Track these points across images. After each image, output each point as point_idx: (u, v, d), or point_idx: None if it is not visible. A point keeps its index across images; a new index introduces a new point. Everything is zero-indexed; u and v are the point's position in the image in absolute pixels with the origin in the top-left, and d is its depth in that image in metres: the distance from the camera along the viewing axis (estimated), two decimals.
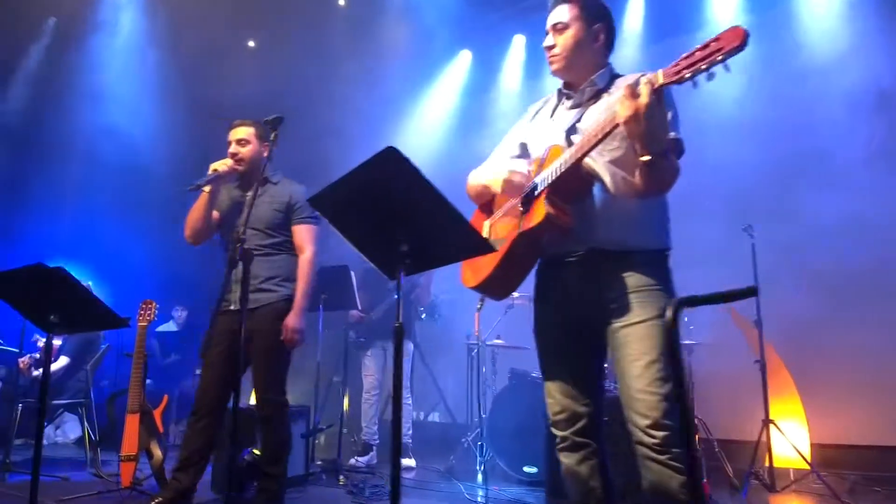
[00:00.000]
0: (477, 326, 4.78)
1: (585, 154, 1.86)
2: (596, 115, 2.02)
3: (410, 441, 5.40)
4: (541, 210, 1.90)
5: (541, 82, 6.62)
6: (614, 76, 2.14)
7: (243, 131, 3.28)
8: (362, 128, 6.65)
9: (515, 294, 5.14)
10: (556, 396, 2.07)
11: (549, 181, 1.93)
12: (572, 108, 2.15)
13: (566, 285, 2.03)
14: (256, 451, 3.75)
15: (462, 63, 7.10)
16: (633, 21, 5.95)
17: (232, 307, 3.13)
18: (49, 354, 2.56)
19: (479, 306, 4.75)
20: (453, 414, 6.76)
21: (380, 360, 5.48)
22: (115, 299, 5.23)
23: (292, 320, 3.12)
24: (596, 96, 2.10)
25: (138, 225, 6.20)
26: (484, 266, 2.07)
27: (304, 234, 3.25)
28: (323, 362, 5.15)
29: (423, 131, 7.09)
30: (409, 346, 5.47)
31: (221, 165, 3.16)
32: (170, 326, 7.35)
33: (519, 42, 6.76)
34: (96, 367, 5.01)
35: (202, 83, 6.52)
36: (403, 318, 5.21)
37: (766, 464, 4.20)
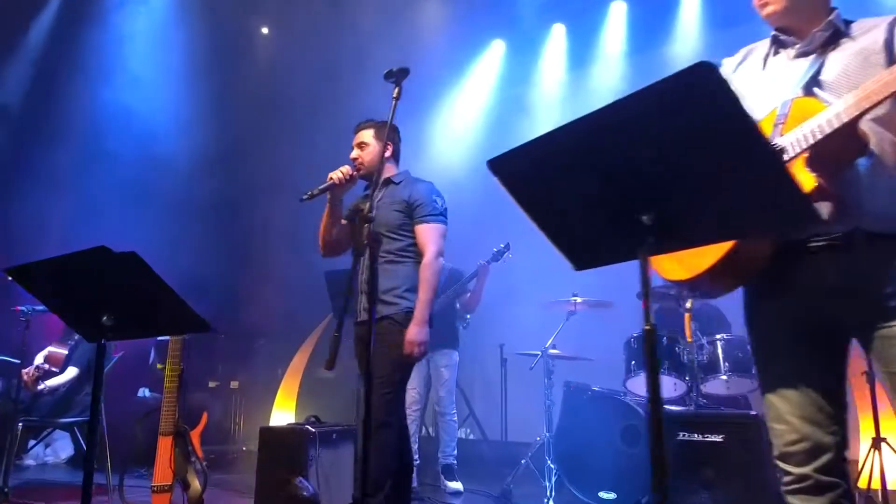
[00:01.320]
0: (688, 330, 4.10)
1: (869, 110, 1.42)
2: (845, 64, 1.60)
3: (455, 462, 4.91)
4: (806, 180, 1.45)
5: (585, 70, 6.24)
6: (845, 20, 1.72)
7: (364, 134, 3.03)
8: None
9: (578, 299, 4.74)
10: (790, 421, 1.61)
11: (809, 143, 1.48)
12: (799, 56, 1.71)
13: (815, 276, 1.58)
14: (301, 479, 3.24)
15: (495, 53, 6.67)
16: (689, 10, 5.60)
17: (359, 318, 2.94)
18: (101, 365, 2.02)
19: (688, 306, 4.08)
20: (483, 429, 6.28)
21: (422, 372, 4.97)
22: None
23: (413, 332, 2.77)
24: (832, 42, 1.67)
25: (150, 219, 5.62)
26: (702, 255, 1.61)
27: (425, 235, 2.89)
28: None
29: (457, 121, 6.63)
30: (454, 357, 4.98)
31: (337, 173, 2.84)
32: None
33: (559, 31, 6.36)
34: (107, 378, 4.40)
35: (231, 68, 6.00)
36: (448, 326, 4.72)
37: (875, 487, 3.79)
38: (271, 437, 3.58)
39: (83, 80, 5.59)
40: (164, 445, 3.20)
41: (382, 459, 2.70)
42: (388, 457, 2.72)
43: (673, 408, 3.76)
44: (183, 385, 3.32)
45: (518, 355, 5.07)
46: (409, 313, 2.80)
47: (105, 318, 2.00)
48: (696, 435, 3.25)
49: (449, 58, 6.57)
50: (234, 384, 5.94)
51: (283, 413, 5.65)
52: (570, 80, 6.26)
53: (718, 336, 4.16)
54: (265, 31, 7.03)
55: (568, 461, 4.20)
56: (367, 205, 2.11)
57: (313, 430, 3.51)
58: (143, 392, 6.21)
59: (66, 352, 4.32)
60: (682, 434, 3.29)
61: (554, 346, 4.86)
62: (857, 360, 4.24)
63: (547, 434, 4.38)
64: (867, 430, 3.94)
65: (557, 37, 6.32)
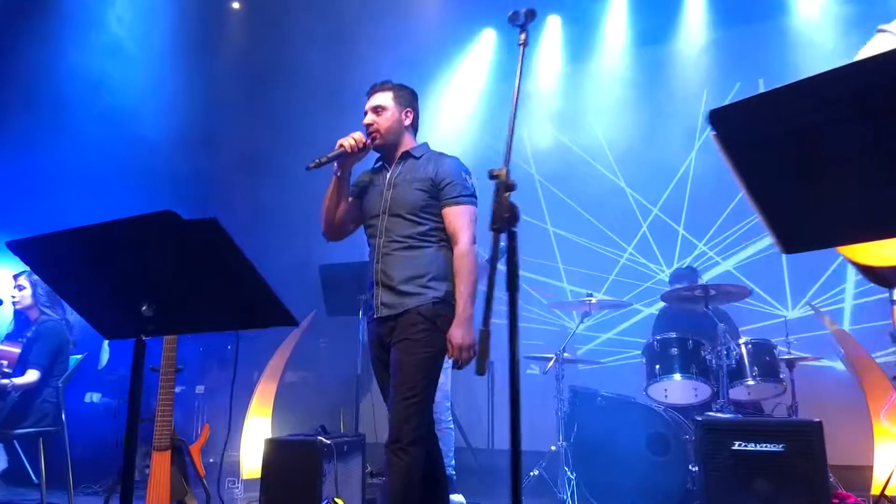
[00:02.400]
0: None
1: None
2: None
3: (454, 473, 4.55)
4: None
5: (583, 66, 6.02)
6: None
7: (380, 97, 2.58)
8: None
9: (593, 298, 4.48)
10: None
11: None
12: None
13: None
14: (339, 501, 2.83)
15: (486, 43, 6.37)
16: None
17: (377, 314, 2.48)
18: (140, 373, 1.57)
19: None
20: (466, 437, 5.95)
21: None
22: None
23: (459, 334, 2.33)
24: None
25: (118, 201, 4.99)
26: None
27: (456, 218, 2.46)
28: (365, 376, 4.21)
29: (447, 111, 6.29)
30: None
31: (348, 140, 2.47)
32: None
33: (554, 23, 6.12)
34: (67, 382, 3.80)
35: (212, 42, 5.44)
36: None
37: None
38: (278, 450, 3.13)
39: (51, 42, 4.88)
40: (160, 463, 2.71)
41: (410, 490, 2.29)
42: (416, 482, 2.30)
43: (722, 415, 3.54)
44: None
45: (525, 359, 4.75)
46: (437, 305, 2.39)
47: (145, 307, 1.56)
48: (751, 444, 3.02)
49: (438, 45, 6.22)
50: (199, 389, 5.35)
51: (258, 421, 5.14)
52: (567, 73, 6.04)
53: (744, 340, 4.00)
54: (236, 5, 6.50)
55: (587, 472, 3.92)
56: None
57: (328, 441, 3.10)
58: (91, 397, 5.54)
59: (18, 350, 3.69)
60: (736, 444, 3.06)
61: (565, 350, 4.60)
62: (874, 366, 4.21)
63: (564, 443, 4.09)
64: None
65: (553, 28, 6.09)
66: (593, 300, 4.35)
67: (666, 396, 4.14)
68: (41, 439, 3.53)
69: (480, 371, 1.40)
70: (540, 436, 4.79)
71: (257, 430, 5.10)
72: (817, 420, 2.99)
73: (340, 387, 5.47)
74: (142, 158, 5.07)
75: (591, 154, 5.92)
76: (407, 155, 2.58)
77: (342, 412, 5.67)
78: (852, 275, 4.95)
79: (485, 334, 1.39)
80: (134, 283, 1.58)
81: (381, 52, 5.77)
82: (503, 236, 1.47)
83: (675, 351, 4.06)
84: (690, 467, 3.55)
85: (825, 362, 4.68)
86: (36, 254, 1.61)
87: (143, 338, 1.59)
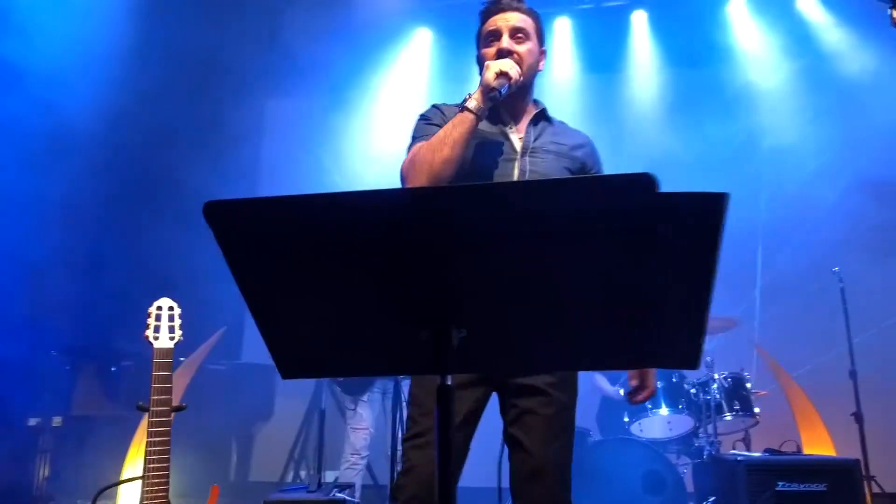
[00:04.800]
0: None
1: None
2: None
3: None
4: None
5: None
6: None
7: (521, 18, 1.85)
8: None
9: None
10: None
11: None
12: None
13: None
14: None
15: (422, 43, 5.89)
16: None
17: None
18: (448, 424, 0.91)
19: None
20: (374, 474, 5.32)
21: (376, 407, 3.93)
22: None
23: (653, 378, 1.88)
24: None
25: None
26: None
27: None
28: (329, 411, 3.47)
29: (385, 111, 5.68)
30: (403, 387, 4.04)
31: (514, 69, 1.71)
32: None
33: None
34: None
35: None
36: None
37: None
38: None
39: None
40: None
41: None
42: None
43: (760, 455, 3.41)
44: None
45: None
46: None
47: (456, 331, 0.92)
48: (795, 485, 2.92)
49: (373, 41, 5.64)
50: (56, 421, 4.06)
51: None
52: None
53: (722, 374, 3.98)
54: None
55: None
56: None
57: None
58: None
59: None
60: (780, 484, 2.94)
61: None
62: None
63: None
64: None
65: None
66: None
67: (641, 430, 3.98)
68: None
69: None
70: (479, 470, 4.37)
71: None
72: (855, 458, 2.99)
73: (267, 426, 4.59)
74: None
75: None
76: (542, 115, 1.93)
77: (292, 454, 4.81)
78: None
79: None
80: (443, 296, 0.93)
81: (314, 45, 5.11)
82: None
83: (660, 384, 3.92)
84: None
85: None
86: (253, 228, 0.89)
87: (448, 381, 0.95)
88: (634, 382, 1.89)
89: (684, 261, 0.89)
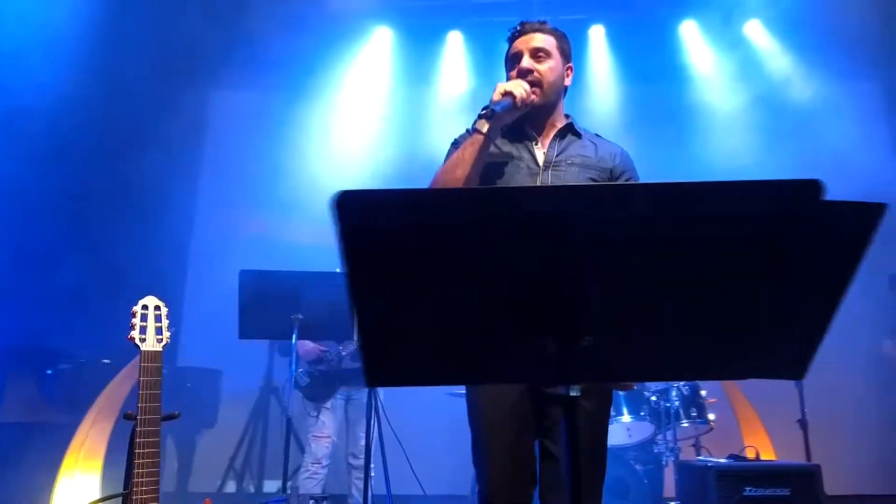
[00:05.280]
0: None
1: None
2: None
3: None
4: None
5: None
6: None
7: (542, 38, 1.92)
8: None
9: None
10: None
11: None
12: None
13: None
14: None
15: (381, 42, 5.77)
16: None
17: None
18: (576, 434, 0.85)
19: None
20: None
21: (339, 415, 3.78)
22: None
23: None
24: None
25: None
26: None
27: None
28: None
29: (346, 112, 5.53)
30: (378, 392, 3.90)
31: (519, 88, 1.76)
32: None
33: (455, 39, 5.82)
34: None
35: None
36: None
37: None
38: None
39: None
40: None
41: None
42: None
43: (728, 462, 3.49)
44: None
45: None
46: None
47: (582, 340, 0.88)
48: (762, 490, 3.03)
49: (332, 36, 5.48)
50: None
51: (81, 478, 3.67)
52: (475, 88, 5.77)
53: (680, 382, 4.09)
54: None
55: None
56: None
57: None
58: None
59: None
60: (748, 490, 3.03)
61: None
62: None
63: None
64: None
65: (455, 42, 5.79)
66: None
67: None
68: None
69: None
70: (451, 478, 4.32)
71: (78, 493, 3.68)
72: (816, 464, 3.12)
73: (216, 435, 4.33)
74: None
75: None
76: (569, 129, 1.96)
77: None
78: None
79: None
80: (575, 294, 0.87)
81: (276, 37, 4.93)
82: None
83: (622, 392, 3.98)
84: None
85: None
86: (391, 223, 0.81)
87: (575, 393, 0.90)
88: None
89: (826, 269, 0.87)
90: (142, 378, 1.82)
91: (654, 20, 5.62)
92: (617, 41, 5.59)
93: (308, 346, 3.67)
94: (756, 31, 5.37)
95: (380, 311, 0.90)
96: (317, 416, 3.70)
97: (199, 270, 5.44)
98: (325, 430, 3.70)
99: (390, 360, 0.96)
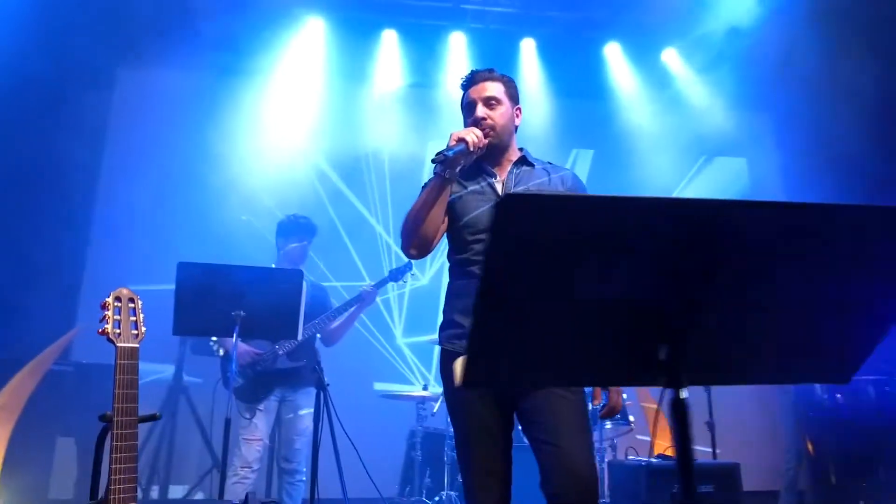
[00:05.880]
0: None
1: None
2: None
3: None
4: None
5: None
6: None
7: (492, 87, 2.19)
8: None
9: None
10: None
11: None
12: None
13: None
14: None
15: (314, 33, 5.60)
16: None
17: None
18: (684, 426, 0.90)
19: None
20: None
21: (270, 417, 3.62)
22: None
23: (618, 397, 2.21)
24: None
25: None
26: None
27: None
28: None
29: (276, 108, 5.31)
30: (311, 395, 3.75)
31: (471, 135, 2.00)
32: None
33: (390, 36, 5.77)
34: None
35: None
36: (313, 358, 3.66)
37: None
38: None
39: None
40: None
41: None
42: None
43: (659, 461, 3.68)
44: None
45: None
46: None
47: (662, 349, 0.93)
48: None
49: (260, 26, 5.27)
50: None
51: None
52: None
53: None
54: None
55: None
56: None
57: None
58: None
59: None
60: (676, 487, 3.22)
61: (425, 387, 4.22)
62: None
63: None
64: None
65: (389, 41, 5.74)
66: None
67: None
68: None
69: None
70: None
71: None
72: (736, 462, 3.39)
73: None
74: None
75: None
76: (522, 161, 2.20)
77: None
78: None
79: None
80: (692, 302, 0.91)
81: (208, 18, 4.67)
82: None
83: None
84: None
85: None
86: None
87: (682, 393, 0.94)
88: (599, 402, 2.06)
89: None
90: (118, 376, 1.66)
91: (580, 39, 5.86)
92: (547, 55, 5.78)
93: (242, 348, 3.49)
94: (672, 59, 5.74)
95: (504, 312, 0.89)
96: (250, 419, 3.53)
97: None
98: (256, 433, 3.53)
99: (496, 361, 0.96)
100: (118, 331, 1.71)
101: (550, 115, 5.65)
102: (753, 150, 5.54)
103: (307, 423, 3.67)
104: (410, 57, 5.73)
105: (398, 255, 5.53)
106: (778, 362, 1.02)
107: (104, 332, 1.71)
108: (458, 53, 5.72)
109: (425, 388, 4.19)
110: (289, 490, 3.69)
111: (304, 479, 3.73)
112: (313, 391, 3.72)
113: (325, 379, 3.65)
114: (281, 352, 3.60)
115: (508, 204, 0.78)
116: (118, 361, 1.68)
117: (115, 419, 1.63)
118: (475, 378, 0.98)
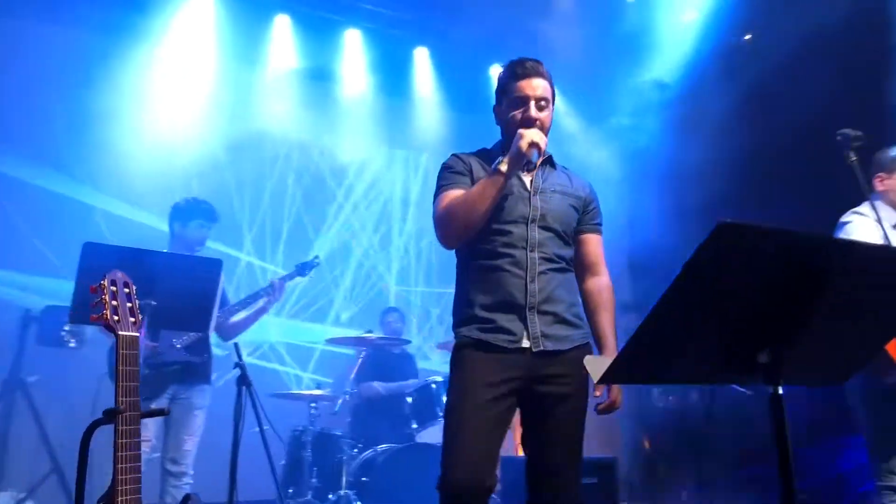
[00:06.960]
0: None
1: None
2: None
3: None
4: None
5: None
6: None
7: (545, 87, 2.13)
8: None
9: (373, 335, 4.20)
10: None
11: None
12: None
13: None
14: None
15: (202, 7, 5.20)
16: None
17: (525, 343, 2.00)
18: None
19: None
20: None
21: (161, 418, 3.33)
22: None
23: (619, 393, 2.09)
24: None
25: None
26: None
27: (598, 247, 2.26)
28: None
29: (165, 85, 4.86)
30: (205, 392, 3.52)
31: (542, 140, 2.01)
32: None
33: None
34: None
35: None
36: (206, 353, 3.68)
37: None
38: None
39: None
40: None
41: None
42: None
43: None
44: None
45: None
46: (588, 344, 2.14)
47: (763, 354, 1.14)
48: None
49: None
50: None
51: None
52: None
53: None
54: None
55: None
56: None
57: None
58: None
59: None
60: None
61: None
62: None
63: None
64: None
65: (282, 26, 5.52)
66: (373, 336, 4.17)
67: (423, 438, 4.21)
68: None
69: None
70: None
71: None
72: (613, 456, 3.80)
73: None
74: None
75: None
76: (548, 161, 2.22)
77: None
78: None
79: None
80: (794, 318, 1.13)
81: None
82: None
83: None
84: None
85: None
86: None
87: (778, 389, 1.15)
88: (600, 395, 2.16)
89: None
90: (121, 368, 1.52)
91: (468, 55, 6.10)
92: (440, 66, 5.95)
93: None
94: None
95: (672, 321, 1.03)
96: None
97: None
98: (146, 431, 3.24)
99: (643, 363, 1.09)
100: (117, 317, 1.56)
101: (445, 126, 5.84)
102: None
103: (199, 423, 3.45)
104: (305, 45, 5.59)
105: (294, 246, 5.39)
106: (838, 367, 1.27)
107: (101, 319, 1.55)
108: (353, 49, 5.70)
109: (319, 386, 4.13)
110: (173, 493, 3.42)
111: (191, 481, 3.49)
112: (207, 388, 3.54)
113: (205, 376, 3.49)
114: (179, 345, 3.35)
115: (723, 231, 0.91)
116: (120, 351, 1.53)
117: (121, 415, 1.49)
118: (617, 376, 1.10)
